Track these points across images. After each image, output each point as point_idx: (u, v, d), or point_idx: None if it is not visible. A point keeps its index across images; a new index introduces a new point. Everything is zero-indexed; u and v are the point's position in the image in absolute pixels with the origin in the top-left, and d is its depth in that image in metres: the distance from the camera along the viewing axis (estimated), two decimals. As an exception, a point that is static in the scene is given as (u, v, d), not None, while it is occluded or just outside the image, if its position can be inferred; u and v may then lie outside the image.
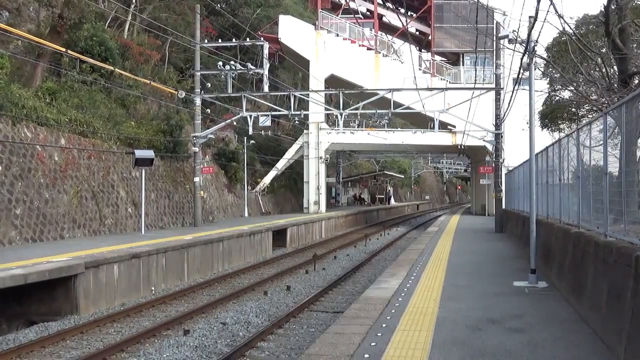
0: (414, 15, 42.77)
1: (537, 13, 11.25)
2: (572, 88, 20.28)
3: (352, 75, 37.73)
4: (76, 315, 12.35)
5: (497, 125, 25.34)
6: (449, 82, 37.67)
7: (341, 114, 27.68)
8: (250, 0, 43.89)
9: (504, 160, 27.40)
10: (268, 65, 27.67)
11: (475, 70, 35.31)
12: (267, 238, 24.41)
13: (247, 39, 29.48)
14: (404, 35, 40.96)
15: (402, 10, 43.34)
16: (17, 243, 16.45)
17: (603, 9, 14.99)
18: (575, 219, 10.14)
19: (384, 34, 42.69)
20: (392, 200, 67.94)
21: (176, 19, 35.65)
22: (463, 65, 39.41)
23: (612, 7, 14.54)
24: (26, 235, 17.02)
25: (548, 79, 25.64)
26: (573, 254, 9.52)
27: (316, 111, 34.38)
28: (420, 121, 40.45)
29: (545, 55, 20.72)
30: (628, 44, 14.94)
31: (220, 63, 26.50)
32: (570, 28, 15.29)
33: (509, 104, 19.58)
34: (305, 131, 38.84)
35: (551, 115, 26.61)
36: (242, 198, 35.46)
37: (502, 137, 26.06)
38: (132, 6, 32.25)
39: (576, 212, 10.04)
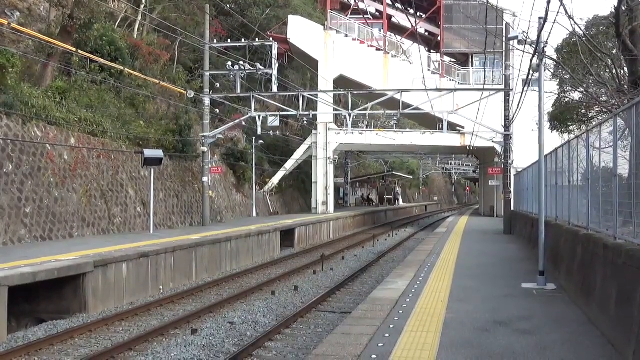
0: (424, 16, 42.69)
1: (547, 14, 11.20)
2: (582, 89, 20.15)
3: (361, 75, 37.64)
4: (85, 314, 12.41)
5: (506, 127, 25.25)
6: (458, 83, 37.56)
7: (350, 115, 27.67)
8: (260, 1, 43.94)
9: (512, 161, 27.30)
10: (277, 65, 27.72)
11: (485, 71, 35.17)
12: (275, 238, 24.44)
13: (256, 39, 29.53)
14: (413, 35, 40.99)
15: (412, 11, 43.28)
16: (26, 241, 16.57)
17: (614, 10, 14.91)
18: (584, 221, 10.09)
19: (393, 34, 42.61)
20: (400, 201, 67.82)
21: (186, 19, 35.75)
22: (472, 66, 39.26)
23: (623, 8, 14.47)
24: (36, 233, 17.13)
25: (558, 80, 25.49)
26: (582, 256, 9.48)
27: (325, 111, 34.37)
28: (429, 122, 40.37)
29: (555, 57, 20.60)
30: (639, 45, 14.84)
31: (230, 63, 26.55)
32: (581, 29, 15.21)
33: (518, 105, 19.51)
34: (313, 131, 38.80)
35: (561, 117, 26.48)
36: (250, 198, 35.52)
37: (511, 138, 25.96)
38: (142, 6, 32.38)
39: (585, 214, 9.99)
